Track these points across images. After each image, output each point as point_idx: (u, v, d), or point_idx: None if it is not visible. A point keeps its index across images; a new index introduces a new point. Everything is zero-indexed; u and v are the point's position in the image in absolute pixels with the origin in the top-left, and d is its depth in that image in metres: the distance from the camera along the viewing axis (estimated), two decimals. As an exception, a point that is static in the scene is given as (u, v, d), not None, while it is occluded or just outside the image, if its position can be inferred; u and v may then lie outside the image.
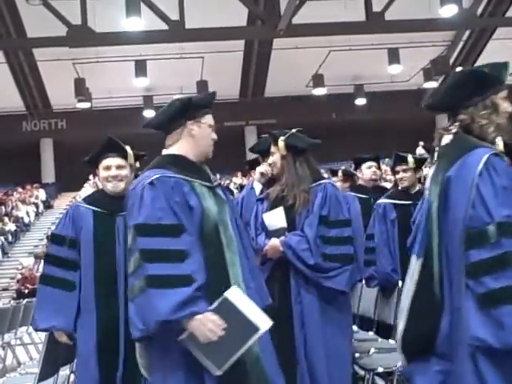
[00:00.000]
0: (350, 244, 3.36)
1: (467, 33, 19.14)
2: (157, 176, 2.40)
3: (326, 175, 4.56)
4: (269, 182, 3.82)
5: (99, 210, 3.19)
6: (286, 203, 3.36)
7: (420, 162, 4.69)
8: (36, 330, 3.12)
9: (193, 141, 2.51)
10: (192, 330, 2.23)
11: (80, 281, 3.15)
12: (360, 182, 5.40)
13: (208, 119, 2.56)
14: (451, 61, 19.56)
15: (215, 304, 2.29)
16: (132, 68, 17.71)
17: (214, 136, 2.60)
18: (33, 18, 15.89)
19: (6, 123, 20.74)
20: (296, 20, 13.18)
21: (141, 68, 17.53)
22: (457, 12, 13.31)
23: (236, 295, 2.33)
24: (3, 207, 19.77)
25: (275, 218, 3.37)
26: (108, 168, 3.19)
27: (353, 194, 5.23)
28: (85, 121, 20.16)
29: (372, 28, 13.86)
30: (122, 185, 3.16)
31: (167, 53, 17.56)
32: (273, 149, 3.47)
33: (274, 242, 3.33)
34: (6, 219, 18.82)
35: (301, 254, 3.23)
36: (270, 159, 3.49)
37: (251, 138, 21.80)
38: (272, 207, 3.42)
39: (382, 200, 4.60)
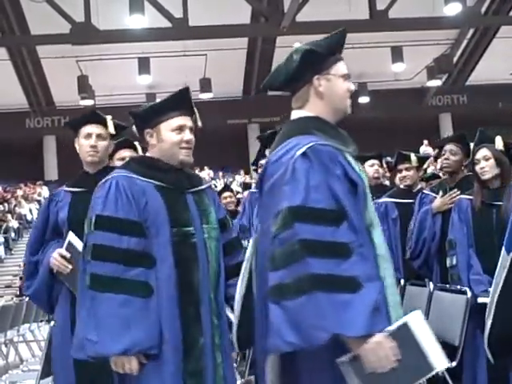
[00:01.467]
0: None
1: (471, 31, 19.10)
2: (310, 144, 1.92)
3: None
4: None
5: (163, 184, 2.42)
6: None
7: (422, 161, 4.67)
8: (105, 355, 2.18)
9: (323, 99, 2.09)
10: (362, 353, 1.76)
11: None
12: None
13: (338, 69, 2.14)
14: (455, 59, 19.52)
15: (394, 327, 1.83)
16: (135, 65, 17.71)
17: (351, 87, 2.19)
18: (36, 15, 15.90)
19: (9, 120, 20.77)
20: (299, 18, 13.18)
21: (144, 65, 17.53)
22: (461, 10, 13.29)
23: (418, 322, 1.88)
24: (6, 204, 19.80)
25: None
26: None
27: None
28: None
29: (376, 26, 13.85)
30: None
31: (170, 50, 17.56)
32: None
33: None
34: (9, 216, 18.85)
35: None
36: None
37: (254, 136, 21.76)
38: None
39: (384, 199, 4.59)
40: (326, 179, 1.84)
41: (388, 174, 9.66)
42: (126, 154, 3.36)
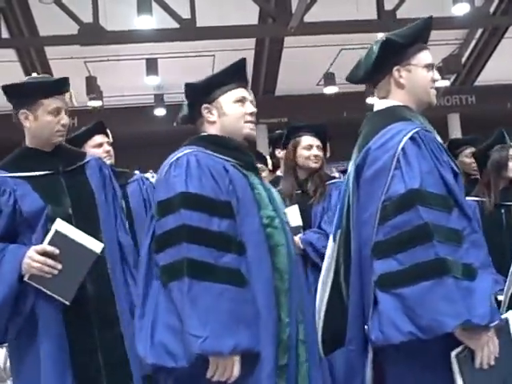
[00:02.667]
0: None
1: (479, 31, 19.02)
2: (416, 129, 1.89)
3: (336, 174, 4.62)
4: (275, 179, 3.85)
5: (240, 163, 2.21)
6: (304, 200, 3.37)
7: None
8: (216, 353, 1.88)
9: (405, 90, 2.05)
10: (475, 345, 1.72)
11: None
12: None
13: (420, 58, 2.07)
14: (463, 59, 19.45)
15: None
16: (143, 66, 17.74)
17: (436, 76, 2.11)
18: (45, 16, 15.94)
19: (18, 121, 20.84)
20: (307, 18, 13.15)
21: (152, 66, 17.56)
22: (469, 10, 13.24)
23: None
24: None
25: (290, 216, 3.37)
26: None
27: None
28: (96, 119, 20.13)
29: (384, 26, 13.78)
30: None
31: (178, 51, 17.57)
32: (320, 143, 3.49)
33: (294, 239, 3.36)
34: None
35: (322, 251, 3.26)
36: (317, 152, 3.48)
37: (262, 137, 21.78)
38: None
39: None
40: (436, 165, 1.82)
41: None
42: (101, 139, 3.46)
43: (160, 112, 20.16)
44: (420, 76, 2.03)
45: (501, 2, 17.16)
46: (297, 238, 3.29)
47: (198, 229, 2.00)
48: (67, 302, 2.38)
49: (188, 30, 13.23)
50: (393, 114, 2.01)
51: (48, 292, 2.36)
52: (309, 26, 13.26)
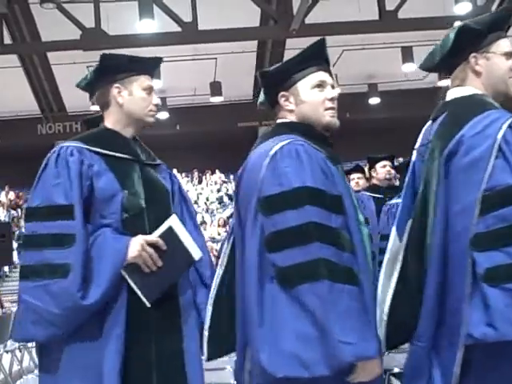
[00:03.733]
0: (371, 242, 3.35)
1: (481, 30, 18.99)
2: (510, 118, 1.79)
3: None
4: None
5: (329, 155, 2.03)
6: None
7: None
8: (367, 358, 1.78)
9: (481, 78, 1.96)
10: None
11: None
12: (374, 181, 5.38)
13: (499, 46, 2.01)
14: (465, 58, 19.43)
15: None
16: (145, 70, 17.76)
17: None
18: (47, 21, 15.99)
19: (22, 126, 20.91)
20: (309, 20, 13.15)
21: (154, 70, 17.58)
22: (471, 9, 13.22)
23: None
24: (19, 210, 19.92)
25: None
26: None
27: (367, 193, 5.22)
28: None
29: (385, 27, 13.79)
30: None
31: (180, 54, 17.60)
32: None
33: None
34: (22, 222, 18.95)
35: None
36: None
37: (265, 139, 21.75)
38: None
39: (396, 200, 4.57)
40: None
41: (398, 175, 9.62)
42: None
43: (163, 115, 20.19)
44: (499, 64, 1.95)
45: (502, 1, 17.15)
46: None
47: (325, 226, 1.82)
48: (148, 303, 2.15)
49: (190, 34, 13.24)
50: (481, 102, 1.89)
51: (134, 287, 2.16)
52: (310, 28, 13.25)
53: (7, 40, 15.00)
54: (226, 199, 21.62)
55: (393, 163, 5.39)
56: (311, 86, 2.06)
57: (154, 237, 2.20)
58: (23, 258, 2.25)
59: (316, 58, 2.12)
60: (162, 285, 2.19)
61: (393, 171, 5.36)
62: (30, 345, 6.58)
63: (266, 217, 1.87)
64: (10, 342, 6.05)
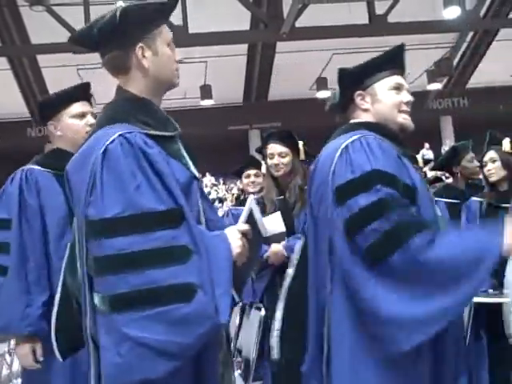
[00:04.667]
0: None
1: (470, 34, 19.12)
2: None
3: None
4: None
5: (401, 153, 2.09)
6: (285, 207, 3.34)
7: (426, 163, 4.72)
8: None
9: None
10: None
11: None
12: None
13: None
14: (455, 62, 19.54)
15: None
16: (136, 73, 17.75)
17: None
18: (36, 24, 15.94)
19: (11, 129, 20.83)
20: (299, 23, 13.19)
21: (144, 73, 17.56)
22: (460, 14, 13.31)
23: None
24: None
25: (272, 223, 3.28)
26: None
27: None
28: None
29: (375, 30, 13.86)
30: None
31: (171, 58, 17.59)
32: (285, 150, 3.44)
33: (277, 247, 3.33)
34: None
35: None
36: (281, 160, 3.44)
37: (255, 142, 21.80)
38: (265, 212, 3.37)
39: None
40: None
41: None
42: (84, 108, 2.77)
43: (153, 118, 20.09)
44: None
45: (491, 5, 17.26)
46: (279, 246, 3.27)
47: (399, 200, 1.85)
48: (238, 298, 1.84)
49: (180, 37, 13.24)
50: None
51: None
52: (300, 31, 13.30)
53: (-4, 43, 14.95)
54: (216, 202, 21.62)
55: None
56: (389, 88, 2.12)
57: (245, 225, 1.83)
58: (108, 284, 1.67)
59: (394, 61, 2.18)
60: (246, 276, 1.95)
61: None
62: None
63: (341, 205, 1.89)
64: (-1, 346, 6.02)
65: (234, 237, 1.77)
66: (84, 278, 1.76)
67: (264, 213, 3.33)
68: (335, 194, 1.91)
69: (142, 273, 1.63)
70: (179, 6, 13.36)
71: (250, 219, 1.86)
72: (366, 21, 13.64)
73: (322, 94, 20.37)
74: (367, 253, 1.81)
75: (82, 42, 1.97)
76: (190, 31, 13.14)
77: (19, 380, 4.52)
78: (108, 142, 1.70)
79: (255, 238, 1.86)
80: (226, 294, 1.68)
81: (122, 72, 1.88)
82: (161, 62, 1.89)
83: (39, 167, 2.70)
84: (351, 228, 1.84)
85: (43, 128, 21.90)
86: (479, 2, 14.40)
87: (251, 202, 1.89)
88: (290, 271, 2.18)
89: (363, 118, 2.13)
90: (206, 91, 18.71)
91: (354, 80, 2.14)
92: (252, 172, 4.52)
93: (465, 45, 19.72)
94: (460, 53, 19.96)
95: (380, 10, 13.43)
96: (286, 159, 3.46)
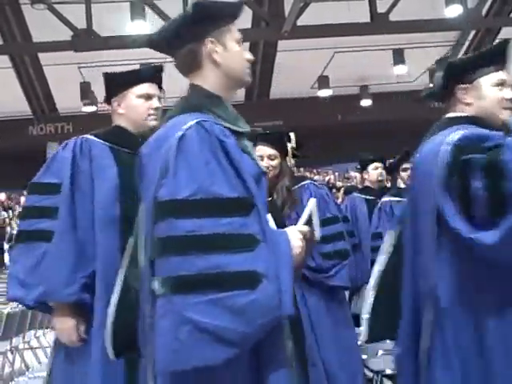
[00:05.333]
0: (343, 239, 3.40)
1: (472, 33, 19.09)
2: None
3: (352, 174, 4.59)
4: None
5: None
6: (274, 208, 3.35)
7: None
8: None
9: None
10: None
11: None
12: (366, 183, 5.40)
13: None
14: (456, 61, 19.51)
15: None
16: (137, 71, 17.73)
17: None
18: (38, 22, 15.92)
19: (13, 127, 20.83)
20: (301, 22, 13.18)
21: (146, 71, 17.55)
22: (462, 12, 13.29)
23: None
24: (10, 211, 19.85)
25: None
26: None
27: (360, 195, 5.23)
28: (90, 124, 20.10)
29: (377, 29, 13.84)
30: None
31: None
32: (274, 152, 3.45)
33: None
34: (13, 223, 18.89)
35: None
36: (270, 162, 3.46)
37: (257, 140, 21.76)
38: None
39: (387, 198, 4.60)
40: None
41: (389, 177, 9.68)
42: (153, 90, 2.60)
43: (155, 117, 20.10)
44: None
45: (493, 4, 17.23)
46: None
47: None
48: None
49: (182, 35, 13.25)
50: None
51: None
52: (302, 30, 13.29)
53: (-2, 41, 14.95)
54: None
55: (384, 165, 5.40)
56: (492, 84, 2.14)
57: (305, 227, 1.85)
58: (171, 265, 1.65)
59: (499, 57, 2.18)
60: (296, 277, 1.92)
61: (384, 173, 5.38)
62: (21, 347, 6.56)
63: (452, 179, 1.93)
64: (1, 344, 6.03)
65: (295, 237, 1.78)
66: (146, 263, 1.74)
67: None
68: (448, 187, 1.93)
69: (208, 257, 1.61)
70: (180, 5, 13.34)
71: (309, 221, 1.86)
72: (367, 19, 13.62)
73: (324, 93, 20.38)
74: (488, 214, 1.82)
75: (157, 43, 2.01)
76: (192, 29, 13.12)
77: (21, 378, 4.53)
78: (185, 127, 1.74)
79: (310, 240, 1.86)
80: (289, 288, 1.66)
81: (195, 68, 1.91)
82: (231, 58, 1.91)
83: (95, 138, 2.56)
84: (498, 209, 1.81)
85: (44, 126, 21.95)
86: (481, 0, 14.39)
87: (313, 204, 1.90)
88: (382, 258, 2.23)
89: (465, 111, 2.16)
90: (207, 89, 18.70)
91: (459, 72, 2.15)
92: None
93: (466, 43, 19.69)
94: (462, 52, 19.93)
95: (381, 8, 13.42)
96: (275, 161, 3.46)
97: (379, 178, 5.25)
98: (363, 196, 5.23)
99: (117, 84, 2.63)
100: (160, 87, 2.63)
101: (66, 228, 2.34)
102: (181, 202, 1.64)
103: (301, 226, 1.83)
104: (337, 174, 19.82)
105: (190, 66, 1.93)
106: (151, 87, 2.59)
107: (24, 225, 2.50)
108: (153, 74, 2.65)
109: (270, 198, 3.41)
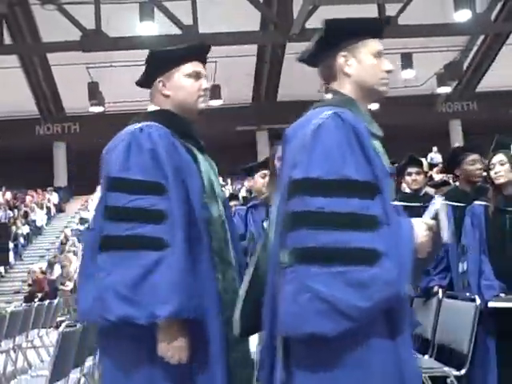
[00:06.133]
0: None
1: (481, 38, 19.06)
2: None
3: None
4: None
5: None
6: None
7: (431, 167, 4.68)
8: None
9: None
10: None
11: None
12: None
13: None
14: (465, 66, 19.48)
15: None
16: (145, 72, 17.78)
17: None
18: (47, 22, 16.01)
19: (20, 127, 20.91)
20: (309, 24, 13.19)
21: (154, 72, 17.60)
22: (471, 17, 13.27)
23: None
24: (16, 211, 19.91)
25: None
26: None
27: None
28: (98, 125, 20.25)
29: (385, 33, 13.80)
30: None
31: (180, 57, 17.65)
32: None
33: None
34: (19, 223, 18.95)
35: None
36: None
37: (263, 142, 21.83)
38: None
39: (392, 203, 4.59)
40: None
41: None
42: (200, 69, 2.33)
43: (162, 118, 20.12)
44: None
45: (502, 9, 17.20)
46: None
47: None
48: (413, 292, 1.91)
49: (190, 37, 13.25)
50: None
51: None
52: (310, 33, 13.28)
53: (7, 40, 15.01)
54: (223, 203, 21.63)
55: (391, 169, 5.39)
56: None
57: (431, 221, 1.90)
58: (299, 237, 1.75)
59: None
60: (419, 269, 1.99)
61: (391, 177, 5.37)
62: (24, 345, 6.57)
63: None
64: (4, 343, 6.04)
65: (420, 227, 1.85)
66: (276, 238, 1.86)
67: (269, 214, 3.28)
68: None
69: (334, 232, 1.74)
70: (189, 6, 13.39)
71: (435, 219, 1.91)
72: (376, 23, 13.61)
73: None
74: None
75: (302, 59, 2.19)
76: (200, 31, 13.15)
77: (23, 376, 4.54)
78: (323, 116, 1.88)
79: (437, 238, 1.90)
80: (406, 271, 1.74)
81: (332, 79, 2.08)
82: (364, 71, 2.05)
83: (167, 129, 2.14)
84: None
85: (51, 126, 22.03)
86: (490, 5, 14.36)
87: (440, 203, 1.95)
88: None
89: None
90: (214, 91, 18.72)
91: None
92: (267, 173, 4.36)
93: (475, 48, 19.66)
94: (470, 56, 19.91)
95: (390, 12, 13.41)
96: None
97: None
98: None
99: (162, 62, 2.32)
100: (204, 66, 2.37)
101: (185, 235, 2.00)
102: (313, 180, 1.79)
103: (427, 219, 1.90)
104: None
105: (328, 77, 2.10)
106: (200, 66, 2.30)
107: (116, 229, 2.00)
108: (201, 52, 2.37)
109: None
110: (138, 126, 2.14)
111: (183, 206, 2.03)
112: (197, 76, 2.27)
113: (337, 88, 2.06)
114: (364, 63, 2.05)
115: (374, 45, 2.11)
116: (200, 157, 2.22)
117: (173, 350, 1.97)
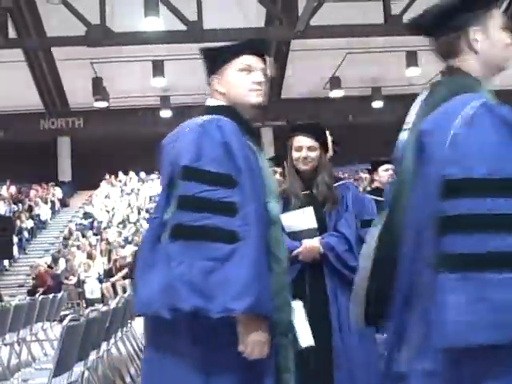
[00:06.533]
0: None
1: (486, 36, 19.03)
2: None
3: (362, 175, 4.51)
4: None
5: None
6: (314, 203, 3.27)
7: None
8: None
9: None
10: None
11: None
12: (377, 184, 5.40)
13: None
14: (470, 64, 19.44)
15: None
16: (149, 68, 17.79)
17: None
18: (52, 17, 16.02)
19: (24, 121, 20.95)
20: (314, 21, 13.17)
21: (158, 68, 17.61)
22: (476, 15, 13.25)
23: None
24: (20, 205, 19.96)
25: (302, 219, 3.21)
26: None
27: (370, 196, 5.22)
28: (102, 120, 20.29)
29: (390, 30, 13.80)
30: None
31: (185, 53, 17.62)
32: (314, 143, 3.36)
33: (312, 243, 3.18)
34: (23, 217, 18.99)
35: (342, 256, 3.12)
36: (309, 153, 3.35)
37: (267, 139, 21.79)
38: (289, 206, 3.26)
39: None
40: None
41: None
42: (256, 63, 2.25)
43: (166, 114, 20.20)
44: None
45: (509, 6, 17.14)
46: (314, 242, 3.20)
47: None
48: None
49: (195, 32, 13.25)
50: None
51: None
52: (315, 30, 13.28)
53: (12, 34, 15.02)
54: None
55: (395, 166, 5.40)
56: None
57: None
58: (473, 242, 1.64)
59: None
60: None
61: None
62: (28, 338, 6.60)
63: None
64: (8, 336, 6.07)
65: None
66: (418, 240, 1.74)
67: (288, 207, 3.27)
68: None
69: (504, 236, 1.61)
70: (194, 2, 13.37)
71: None
72: (381, 20, 13.59)
73: (336, 94, 20.36)
74: None
75: (416, 27, 2.05)
76: (205, 27, 13.15)
77: (27, 369, 4.55)
78: (472, 106, 1.75)
79: None
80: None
81: (453, 55, 1.92)
82: (492, 45, 1.89)
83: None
84: None
85: (56, 120, 22.05)
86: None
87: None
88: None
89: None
90: (219, 87, 18.74)
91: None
92: (278, 170, 4.34)
93: (480, 47, 19.62)
94: (475, 55, 19.87)
95: (396, 9, 13.38)
96: (315, 153, 3.36)
97: (389, 180, 5.25)
98: (373, 197, 5.22)
99: (215, 59, 2.30)
100: (264, 60, 2.28)
101: (262, 231, 1.98)
102: (477, 181, 1.66)
103: None
104: (346, 175, 19.79)
105: (449, 52, 1.95)
106: (253, 59, 2.22)
107: (189, 217, 1.95)
108: (255, 46, 2.29)
109: (308, 192, 3.35)
110: (205, 118, 2.12)
111: (255, 200, 1.99)
112: (249, 69, 2.18)
113: (458, 64, 1.91)
114: (493, 38, 1.88)
115: (499, 15, 1.91)
116: (261, 155, 2.18)
117: (252, 344, 1.90)
